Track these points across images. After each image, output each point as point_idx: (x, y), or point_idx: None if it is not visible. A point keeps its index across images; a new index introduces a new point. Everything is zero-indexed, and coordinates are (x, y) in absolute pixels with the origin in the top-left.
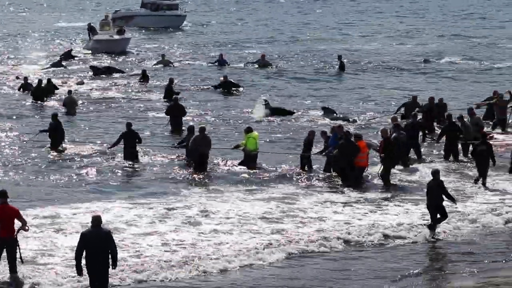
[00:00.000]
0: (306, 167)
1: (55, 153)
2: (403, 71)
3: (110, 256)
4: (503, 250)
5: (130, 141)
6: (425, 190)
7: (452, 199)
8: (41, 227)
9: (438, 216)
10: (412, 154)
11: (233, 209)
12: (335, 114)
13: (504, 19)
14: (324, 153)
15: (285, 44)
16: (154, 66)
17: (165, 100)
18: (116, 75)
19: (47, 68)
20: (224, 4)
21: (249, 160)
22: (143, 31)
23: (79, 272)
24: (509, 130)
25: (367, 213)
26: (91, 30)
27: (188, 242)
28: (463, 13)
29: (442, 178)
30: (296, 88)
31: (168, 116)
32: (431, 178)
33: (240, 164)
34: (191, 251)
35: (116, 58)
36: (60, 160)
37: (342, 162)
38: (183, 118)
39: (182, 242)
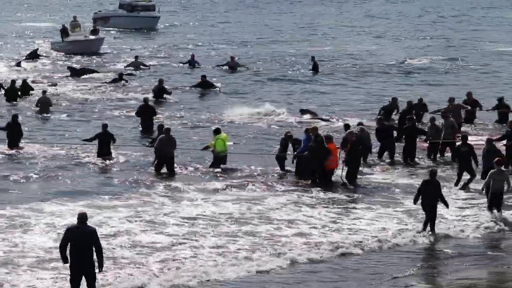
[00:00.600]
0: (283, 168)
1: (12, 151)
2: (377, 73)
3: (95, 255)
4: None
5: (104, 141)
6: (418, 189)
7: (445, 202)
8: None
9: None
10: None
11: (202, 211)
12: (316, 116)
13: (483, 21)
14: (294, 155)
15: (258, 45)
16: (126, 68)
17: (156, 100)
18: (94, 76)
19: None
20: (200, 5)
21: (218, 161)
22: (120, 32)
23: (65, 260)
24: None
25: (338, 216)
26: (63, 31)
27: (162, 246)
28: (440, 14)
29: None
30: (266, 88)
31: (139, 117)
32: (428, 178)
33: (210, 166)
34: (169, 254)
35: (90, 59)
36: (24, 160)
37: (313, 164)
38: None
39: (155, 245)
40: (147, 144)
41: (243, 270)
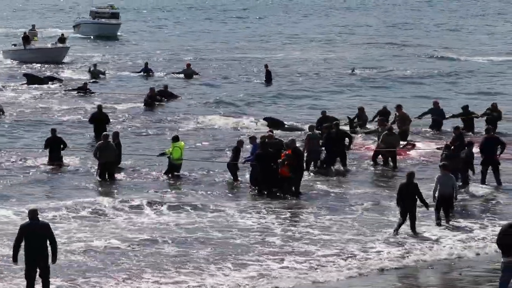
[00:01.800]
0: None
1: None
2: (331, 80)
3: (50, 249)
4: None
5: (54, 147)
6: (397, 192)
7: (425, 203)
8: None
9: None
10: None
11: (149, 219)
12: (283, 125)
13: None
14: (244, 162)
15: (216, 53)
16: (89, 79)
17: (146, 108)
18: (56, 84)
19: None
20: (162, 14)
21: (173, 168)
22: (87, 39)
23: (15, 260)
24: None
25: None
26: (25, 39)
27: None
28: (393, 22)
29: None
30: (220, 95)
31: (92, 124)
32: (405, 180)
33: (165, 172)
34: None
35: (52, 67)
36: None
37: (258, 171)
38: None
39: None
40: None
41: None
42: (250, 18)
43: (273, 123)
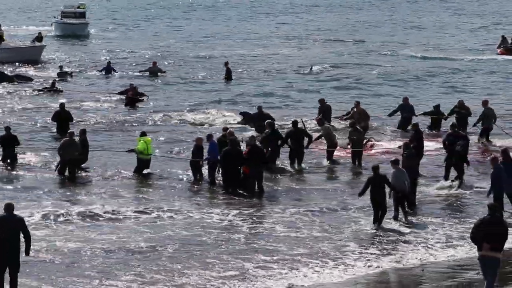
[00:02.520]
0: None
1: None
2: (288, 77)
3: (24, 242)
4: None
5: (8, 144)
6: (365, 184)
7: (393, 187)
8: None
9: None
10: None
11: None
12: (252, 120)
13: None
14: (203, 160)
15: (182, 50)
16: (56, 78)
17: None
18: (26, 83)
19: None
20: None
21: (142, 165)
22: (58, 39)
23: None
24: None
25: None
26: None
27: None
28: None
29: None
30: (185, 93)
31: (55, 122)
32: (372, 175)
33: (134, 172)
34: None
35: (23, 66)
36: None
37: (226, 168)
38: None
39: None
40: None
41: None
42: (219, 15)
43: (250, 118)
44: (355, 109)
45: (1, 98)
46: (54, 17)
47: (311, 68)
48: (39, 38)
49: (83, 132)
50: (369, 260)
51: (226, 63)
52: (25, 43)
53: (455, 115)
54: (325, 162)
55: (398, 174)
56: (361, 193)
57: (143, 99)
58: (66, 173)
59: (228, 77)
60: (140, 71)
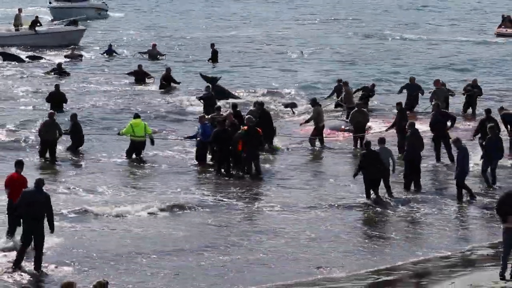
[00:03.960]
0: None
1: None
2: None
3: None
4: None
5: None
6: (359, 162)
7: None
8: None
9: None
10: None
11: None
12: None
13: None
14: (185, 138)
15: (178, 32)
16: (64, 59)
17: (161, 90)
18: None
19: None
20: None
21: (132, 148)
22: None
23: (18, 223)
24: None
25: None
26: (35, 22)
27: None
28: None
29: None
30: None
31: (49, 103)
32: (365, 150)
33: (126, 152)
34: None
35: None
36: None
37: (218, 149)
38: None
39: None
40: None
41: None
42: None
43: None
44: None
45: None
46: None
47: (302, 52)
48: (75, 21)
49: (74, 116)
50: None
51: (212, 45)
52: (65, 27)
53: (465, 92)
54: (310, 146)
55: (382, 152)
56: (356, 173)
57: (152, 77)
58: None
59: (214, 59)
60: (140, 53)
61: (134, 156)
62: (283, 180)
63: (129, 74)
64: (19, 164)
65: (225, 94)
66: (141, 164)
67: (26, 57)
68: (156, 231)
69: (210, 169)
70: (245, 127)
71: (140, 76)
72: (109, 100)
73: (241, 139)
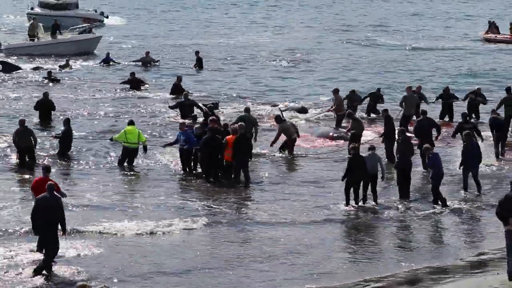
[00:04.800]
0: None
1: None
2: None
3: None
4: None
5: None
6: (347, 165)
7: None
8: None
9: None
10: None
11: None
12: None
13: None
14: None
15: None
16: (59, 69)
17: (173, 96)
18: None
19: None
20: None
21: (124, 155)
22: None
23: (36, 231)
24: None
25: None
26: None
27: None
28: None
29: None
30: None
31: (37, 111)
32: (353, 153)
33: (118, 162)
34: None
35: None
36: None
37: (205, 156)
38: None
39: None
40: (54, 134)
41: None
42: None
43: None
44: (333, 97)
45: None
46: (31, 8)
47: (285, 60)
48: (90, 29)
49: (67, 121)
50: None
51: (197, 52)
52: (84, 35)
53: (468, 100)
54: (279, 153)
55: (370, 158)
56: (344, 176)
57: (147, 84)
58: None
59: (199, 65)
60: (133, 61)
61: (126, 164)
62: (270, 188)
63: (123, 83)
64: (46, 169)
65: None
66: (133, 173)
67: (32, 68)
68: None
69: (196, 177)
70: (229, 137)
71: (134, 84)
72: (100, 107)
73: (231, 146)
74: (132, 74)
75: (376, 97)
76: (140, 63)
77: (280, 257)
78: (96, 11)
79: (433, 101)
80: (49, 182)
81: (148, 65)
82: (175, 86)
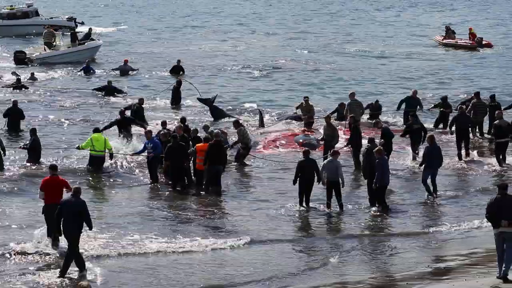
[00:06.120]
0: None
1: None
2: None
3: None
4: None
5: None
6: (296, 169)
7: (319, 178)
8: None
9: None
10: None
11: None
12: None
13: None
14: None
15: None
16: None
17: (173, 101)
18: None
19: None
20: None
21: (91, 162)
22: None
23: (59, 232)
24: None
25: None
26: (74, 36)
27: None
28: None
29: None
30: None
31: (6, 118)
32: (303, 158)
33: (87, 168)
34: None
35: None
36: None
37: (172, 165)
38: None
39: None
40: (22, 146)
41: None
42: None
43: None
44: (303, 103)
45: None
46: None
47: (260, 70)
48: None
49: (33, 132)
50: None
51: (178, 61)
52: (91, 42)
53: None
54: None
55: (330, 165)
56: (295, 180)
57: (124, 92)
58: None
59: (177, 73)
60: (112, 69)
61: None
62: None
63: (97, 89)
64: (53, 168)
65: (223, 115)
66: (98, 180)
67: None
68: None
69: (165, 186)
70: (199, 145)
71: (108, 92)
72: (69, 115)
73: (205, 154)
74: (109, 82)
75: (374, 108)
76: (118, 72)
77: None
78: (72, 19)
79: (430, 107)
80: (75, 186)
81: (128, 73)
82: (175, 90)
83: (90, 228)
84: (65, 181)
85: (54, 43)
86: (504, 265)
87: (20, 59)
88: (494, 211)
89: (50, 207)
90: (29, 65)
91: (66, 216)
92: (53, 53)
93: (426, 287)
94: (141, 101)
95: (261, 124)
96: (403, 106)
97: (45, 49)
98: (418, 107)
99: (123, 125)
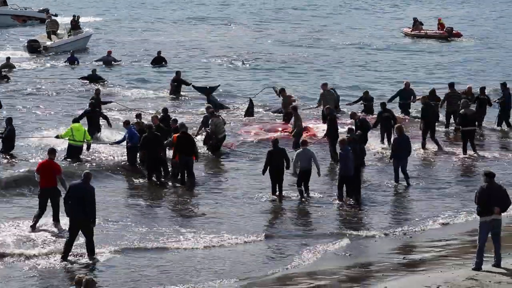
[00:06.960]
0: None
1: None
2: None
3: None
4: None
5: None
6: (266, 159)
7: (288, 166)
8: None
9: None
10: None
11: None
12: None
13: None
14: (112, 144)
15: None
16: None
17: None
18: None
19: None
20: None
21: (70, 153)
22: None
23: (69, 215)
24: None
25: None
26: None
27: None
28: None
29: None
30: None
31: None
32: (272, 147)
33: (64, 158)
34: None
35: None
36: None
37: (147, 155)
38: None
39: None
40: None
41: None
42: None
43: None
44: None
45: None
46: None
47: (243, 62)
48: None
49: (9, 120)
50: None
51: (159, 52)
52: (85, 32)
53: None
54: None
55: (303, 154)
56: (265, 169)
57: (105, 80)
58: None
59: (157, 62)
60: (95, 61)
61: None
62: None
63: (83, 78)
64: (51, 152)
65: (218, 106)
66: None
67: None
68: None
69: (141, 175)
70: (176, 134)
71: (94, 80)
72: (48, 104)
73: (173, 146)
74: (93, 71)
75: (367, 100)
76: (101, 63)
77: None
78: (46, 10)
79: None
80: (86, 171)
81: (111, 64)
82: (174, 81)
83: (91, 218)
84: (58, 166)
85: (57, 32)
86: (494, 256)
87: (34, 47)
88: (485, 199)
89: (44, 191)
90: (45, 54)
91: (72, 200)
92: (66, 40)
93: (402, 279)
94: (97, 91)
95: (248, 113)
96: (397, 99)
97: (50, 38)
98: (412, 97)
99: (94, 117)
